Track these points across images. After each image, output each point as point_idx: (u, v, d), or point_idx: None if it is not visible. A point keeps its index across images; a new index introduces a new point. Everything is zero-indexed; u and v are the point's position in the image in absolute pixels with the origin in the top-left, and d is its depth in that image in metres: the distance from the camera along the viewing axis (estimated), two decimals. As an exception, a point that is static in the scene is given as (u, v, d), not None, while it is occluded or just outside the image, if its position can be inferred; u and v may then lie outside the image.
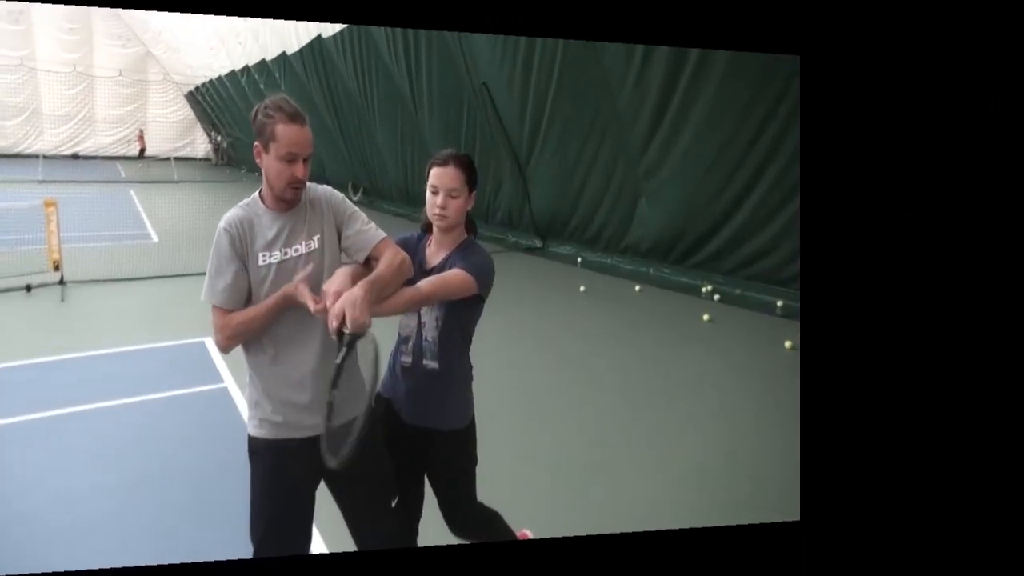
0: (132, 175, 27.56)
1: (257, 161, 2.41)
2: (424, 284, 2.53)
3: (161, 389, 5.89)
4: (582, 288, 9.74)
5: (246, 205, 2.44)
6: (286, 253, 2.41)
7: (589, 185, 10.90)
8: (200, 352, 6.90)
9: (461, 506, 2.87)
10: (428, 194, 2.69)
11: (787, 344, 7.38)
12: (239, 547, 2.85)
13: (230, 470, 4.29)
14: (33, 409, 5.44)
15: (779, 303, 8.68)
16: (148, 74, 37.42)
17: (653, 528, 2.73)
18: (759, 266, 9.06)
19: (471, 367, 2.83)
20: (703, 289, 9.53)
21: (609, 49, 9.36)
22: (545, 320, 8.47)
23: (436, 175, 2.66)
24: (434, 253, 2.75)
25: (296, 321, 2.39)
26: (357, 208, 2.60)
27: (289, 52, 19.47)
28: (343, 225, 2.52)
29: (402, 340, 2.78)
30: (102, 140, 36.83)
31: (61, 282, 9.20)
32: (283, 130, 2.32)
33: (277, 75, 21.34)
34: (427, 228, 2.81)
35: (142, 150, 36.61)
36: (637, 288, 9.94)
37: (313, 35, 17.38)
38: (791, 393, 5.96)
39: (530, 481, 4.49)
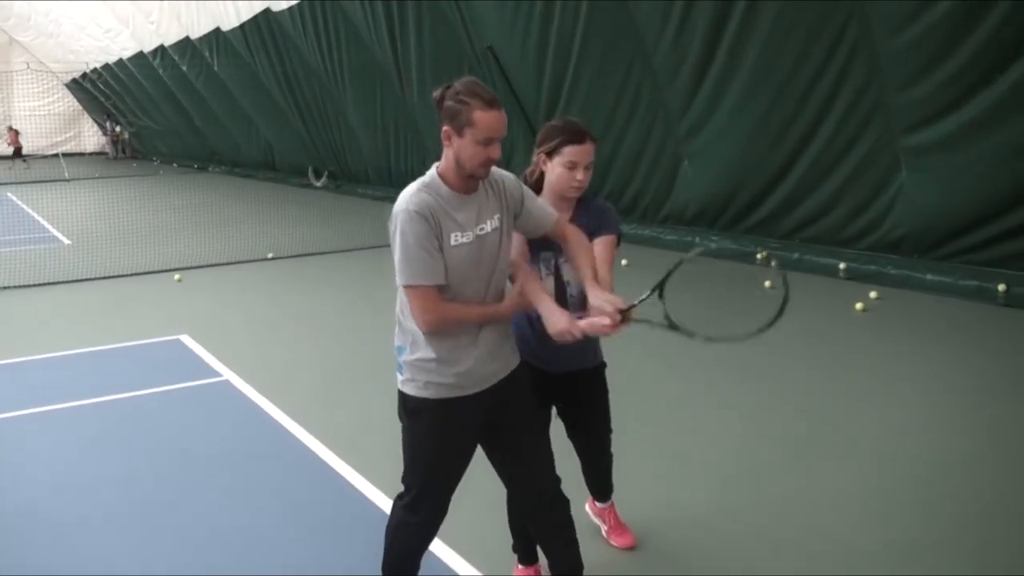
0: (5, 177, 26.40)
1: (445, 144, 2.66)
2: (602, 271, 3.03)
3: (154, 384, 6.20)
4: (624, 262, 9.99)
5: (426, 187, 2.68)
6: (478, 232, 2.73)
7: (622, 151, 11.05)
8: (180, 349, 7.19)
9: (609, 425, 3.54)
10: (561, 168, 3.08)
11: (858, 306, 7.69)
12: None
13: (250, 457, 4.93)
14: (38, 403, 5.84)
15: (842, 265, 8.98)
16: (12, 64, 36.21)
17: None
18: (818, 227, 9.35)
19: None
20: (758, 256, 9.77)
21: (643, 3, 9.69)
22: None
23: (576, 152, 3.05)
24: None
25: (475, 292, 2.77)
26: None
27: (225, 28, 19.17)
28: (521, 204, 2.87)
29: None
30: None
31: None
32: (482, 116, 2.58)
33: (207, 54, 20.96)
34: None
35: (17, 150, 33.81)
36: (685, 258, 10.30)
37: (258, 9, 17.12)
38: (879, 356, 6.48)
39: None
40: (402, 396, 2.85)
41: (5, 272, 10.36)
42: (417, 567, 3.06)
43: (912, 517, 3.97)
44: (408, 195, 2.68)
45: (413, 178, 2.75)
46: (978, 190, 7.80)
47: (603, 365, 3.48)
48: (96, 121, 38.84)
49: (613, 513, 3.79)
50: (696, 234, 10.66)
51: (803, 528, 3.89)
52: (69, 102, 38.93)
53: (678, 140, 10.40)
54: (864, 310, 7.70)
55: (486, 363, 2.81)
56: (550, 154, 3.10)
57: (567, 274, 3.17)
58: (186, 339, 7.40)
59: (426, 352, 2.75)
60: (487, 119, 2.59)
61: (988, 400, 5.48)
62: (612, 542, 3.76)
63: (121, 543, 3.92)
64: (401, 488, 2.96)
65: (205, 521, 4.12)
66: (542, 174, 3.18)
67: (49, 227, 15.37)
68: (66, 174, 26.07)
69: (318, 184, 20.25)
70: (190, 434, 5.27)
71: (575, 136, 3.06)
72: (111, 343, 7.36)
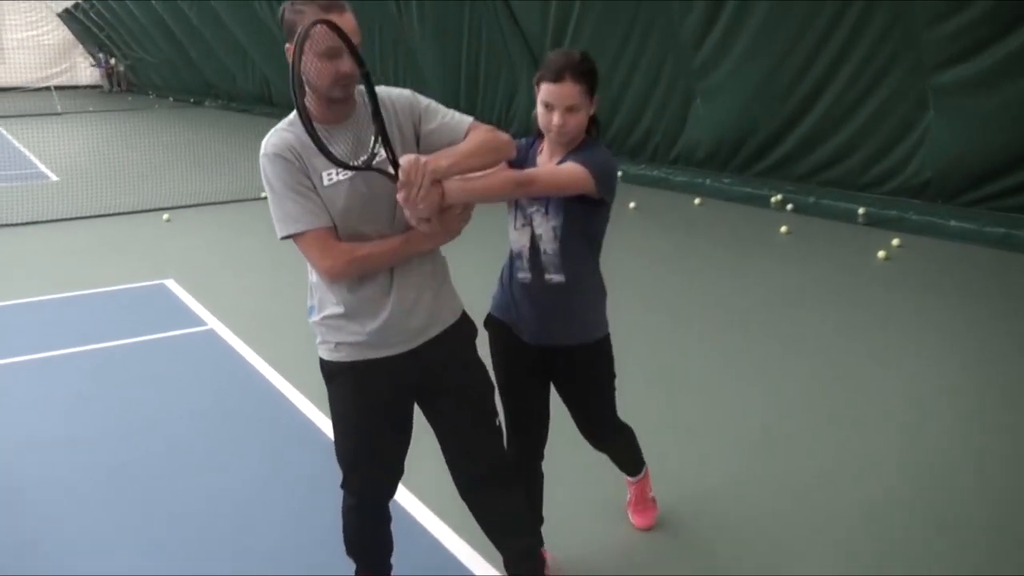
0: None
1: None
2: (531, 169, 2.60)
3: (135, 334, 5.87)
4: (632, 204, 9.61)
5: (288, 125, 2.30)
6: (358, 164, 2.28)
7: (632, 87, 10.58)
8: (164, 295, 6.85)
9: (601, 421, 3.06)
10: (540, 108, 2.64)
11: (880, 254, 7.32)
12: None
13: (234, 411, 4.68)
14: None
15: (861, 210, 8.56)
16: (-2, -8, 35.43)
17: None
18: (837, 170, 8.95)
19: (602, 279, 2.89)
20: (772, 199, 9.37)
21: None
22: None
23: (549, 92, 2.59)
24: (547, 160, 2.74)
25: (376, 233, 2.37)
26: (431, 99, 2.51)
27: (219, -45, 18.61)
28: (421, 120, 2.43)
29: (515, 256, 2.79)
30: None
31: None
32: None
33: (203, -15, 20.42)
34: (540, 134, 2.77)
35: None
36: (697, 201, 9.91)
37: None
38: (905, 310, 6.12)
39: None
40: (320, 362, 2.54)
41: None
42: (375, 548, 2.76)
43: (952, 492, 3.63)
44: (266, 138, 2.30)
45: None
46: (1010, 133, 7.35)
47: (596, 343, 2.89)
48: (90, 53, 38.07)
49: (640, 487, 3.40)
50: (707, 176, 10.24)
51: (830, 504, 3.56)
52: (62, 33, 38.15)
53: (691, 77, 9.91)
54: (887, 259, 7.31)
55: (404, 318, 2.43)
56: (538, 88, 2.67)
57: (539, 227, 2.71)
58: (171, 284, 7.07)
59: (334, 308, 2.42)
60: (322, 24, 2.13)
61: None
62: (630, 518, 3.44)
63: (95, 504, 3.69)
64: None
65: (185, 482, 3.87)
66: None
67: (37, 162, 14.99)
68: (58, 107, 25.54)
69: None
70: (171, 388, 4.97)
71: (550, 73, 2.58)
72: (90, 287, 7.02)
